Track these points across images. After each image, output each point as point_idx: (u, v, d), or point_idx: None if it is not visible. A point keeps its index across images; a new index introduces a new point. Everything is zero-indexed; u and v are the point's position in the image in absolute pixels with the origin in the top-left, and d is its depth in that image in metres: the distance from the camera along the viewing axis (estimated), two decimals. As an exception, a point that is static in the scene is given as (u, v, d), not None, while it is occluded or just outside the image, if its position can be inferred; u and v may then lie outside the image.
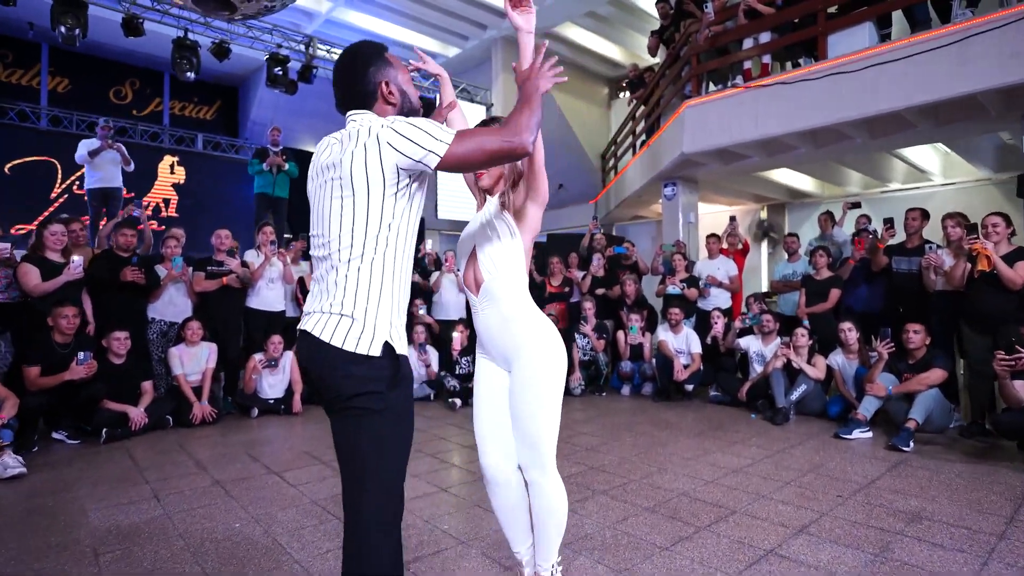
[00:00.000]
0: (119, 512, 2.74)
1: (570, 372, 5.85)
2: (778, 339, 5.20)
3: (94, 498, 2.94)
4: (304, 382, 1.52)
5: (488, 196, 1.88)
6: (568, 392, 5.79)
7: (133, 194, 7.30)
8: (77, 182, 9.33)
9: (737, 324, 5.54)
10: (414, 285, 6.34)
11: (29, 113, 9.31)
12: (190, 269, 4.94)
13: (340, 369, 1.33)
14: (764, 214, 9.68)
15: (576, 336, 6.05)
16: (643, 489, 3.07)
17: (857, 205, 5.93)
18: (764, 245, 9.64)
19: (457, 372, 5.62)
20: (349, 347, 1.33)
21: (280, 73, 7.44)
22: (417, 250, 7.23)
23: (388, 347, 1.36)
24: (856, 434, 4.11)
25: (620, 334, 6.07)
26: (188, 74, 6.70)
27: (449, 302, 6.36)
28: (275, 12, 4.99)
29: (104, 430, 3.99)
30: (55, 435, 4.03)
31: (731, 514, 2.71)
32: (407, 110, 1.52)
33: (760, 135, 5.59)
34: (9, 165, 9.01)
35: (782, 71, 5.71)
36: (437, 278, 6.41)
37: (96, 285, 4.42)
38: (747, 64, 5.85)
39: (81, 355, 3.83)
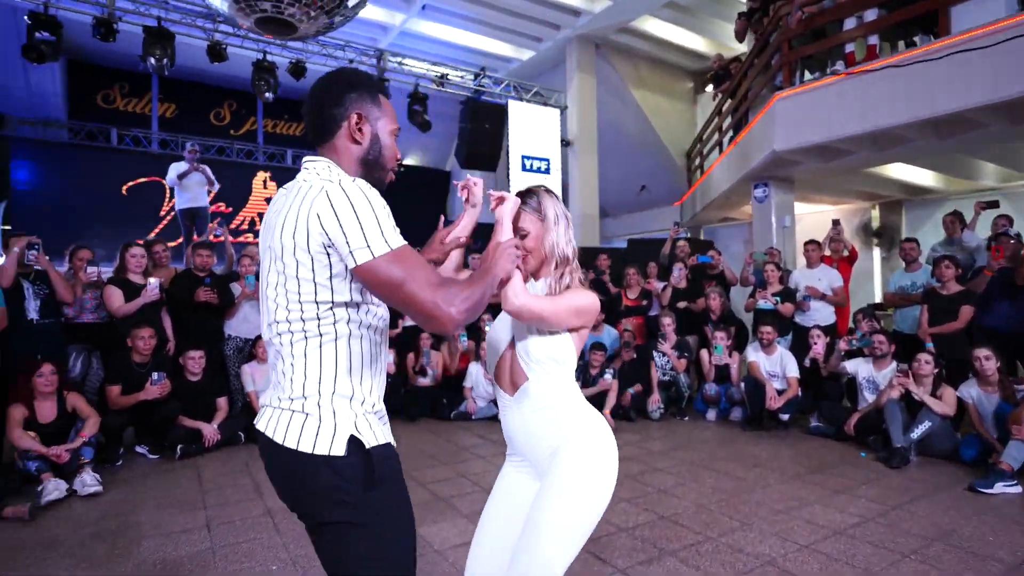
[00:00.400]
0: (170, 543, 2.74)
1: (648, 393, 5.41)
2: (894, 364, 4.47)
3: (153, 524, 2.97)
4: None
5: (533, 280, 1.57)
6: (646, 416, 5.36)
7: (218, 219, 7.69)
8: (181, 200, 10.08)
9: (843, 345, 4.85)
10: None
11: (142, 138, 10.18)
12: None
13: (300, 478, 1.12)
14: (876, 214, 8.60)
15: (654, 354, 5.59)
16: (721, 552, 2.64)
17: (994, 204, 5.03)
18: (876, 250, 8.56)
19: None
20: (305, 448, 1.10)
21: (353, 88, 7.54)
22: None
23: (354, 441, 1.12)
24: (999, 488, 3.38)
25: (704, 353, 5.54)
26: (267, 95, 6.96)
27: (519, 316, 6.10)
28: (336, 28, 5.00)
29: (179, 447, 4.11)
30: (138, 449, 4.21)
31: (831, 597, 2.24)
32: (371, 159, 1.26)
33: (868, 128, 4.85)
34: (126, 187, 9.90)
35: (894, 53, 4.92)
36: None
37: (175, 304, 4.59)
38: (849, 47, 5.10)
39: (155, 376, 3.97)
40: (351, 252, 1.07)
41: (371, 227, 1.08)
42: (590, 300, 1.51)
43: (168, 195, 10.19)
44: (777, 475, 3.78)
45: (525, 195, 1.55)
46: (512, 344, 1.53)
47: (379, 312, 1.25)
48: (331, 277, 1.13)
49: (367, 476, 1.12)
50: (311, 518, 1.16)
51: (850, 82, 4.94)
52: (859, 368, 4.68)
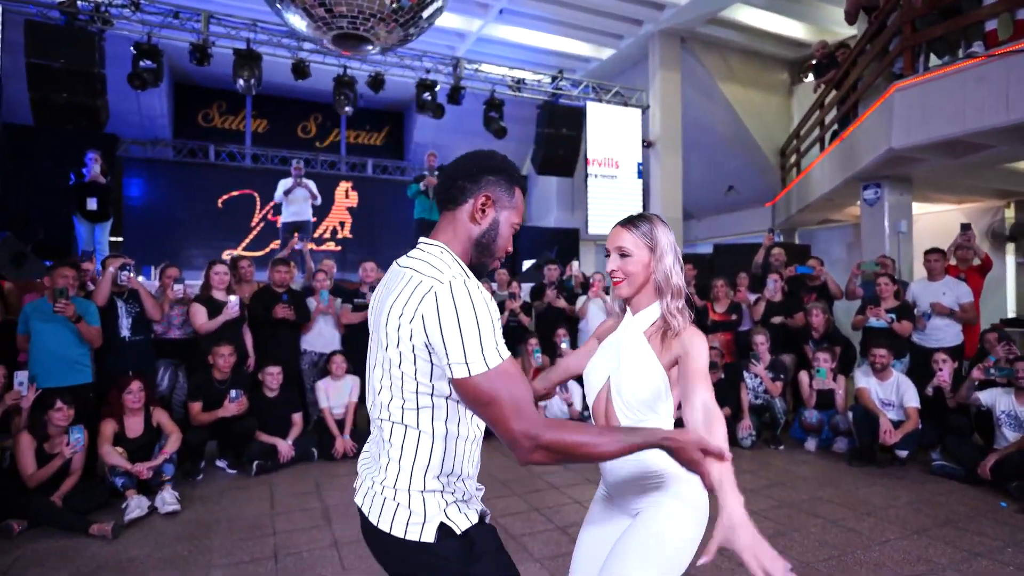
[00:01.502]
0: (236, 573, 2.71)
1: (738, 419, 4.94)
2: (1044, 398, 3.78)
3: (223, 550, 2.97)
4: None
5: (628, 309, 1.53)
6: (736, 443, 4.88)
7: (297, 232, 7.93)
8: (271, 211, 10.59)
9: (977, 374, 4.16)
10: (559, 312, 5.91)
11: (236, 153, 10.80)
12: (337, 301, 5.07)
13: (397, 557, 1.17)
14: (1010, 213, 7.47)
15: (744, 375, 5.10)
16: (835, 634, 2.24)
17: None
18: (1010, 255, 7.43)
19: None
20: (397, 533, 1.15)
21: (428, 98, 7.54)
22: (563, 271, 6.87)
23: (444, 527, 1.15)
24: None
25: (803, 375, 4.97)
26: (347, 108, 7.09)
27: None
28: (413, 39, 4.94)
29: (255, 463, 4.18)
30: (218, 463, 4.33)
31: None
32: (484, 243, 1.26)
33: (1012, 119, 4.10)
34: (221, 199, 10.54)
35: (1049, 28, 4.16)
36: (584, 303, 5.89)
37: (254, 320, 4.69)
38: (990, 25, 4.36)
39: (233, 393, 4.05)
40: (449, 364, 1.09)
41: (472, 341, 1.07)
42: (698, 345, 1.40)
43: (259, 206, 10.77)
44: (897, 528, 3.25)
45: (637, 219, 1.51)
46: (608, 384, 1.49)
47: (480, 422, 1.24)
48: (431, 378, 1.14)
49: (465, 556, 1.14)
50: None
51: (990, 66, 4.21)
52: (998, 400, 4.00)
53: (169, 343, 4.50)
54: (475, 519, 1.19)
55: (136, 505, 3.36)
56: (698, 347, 1.39)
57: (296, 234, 5.95)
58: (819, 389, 4.82)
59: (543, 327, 5.83)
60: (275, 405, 4.50)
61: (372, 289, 5.11)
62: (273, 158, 10.94)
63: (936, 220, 7.76)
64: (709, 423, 1.26)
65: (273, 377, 4.48)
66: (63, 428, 3.41)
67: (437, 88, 7.58)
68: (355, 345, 5.09)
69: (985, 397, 4.08)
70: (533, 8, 8.26)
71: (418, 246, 1.25)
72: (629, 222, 1.50)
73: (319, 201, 6.98)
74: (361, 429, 5.03)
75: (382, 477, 1.18)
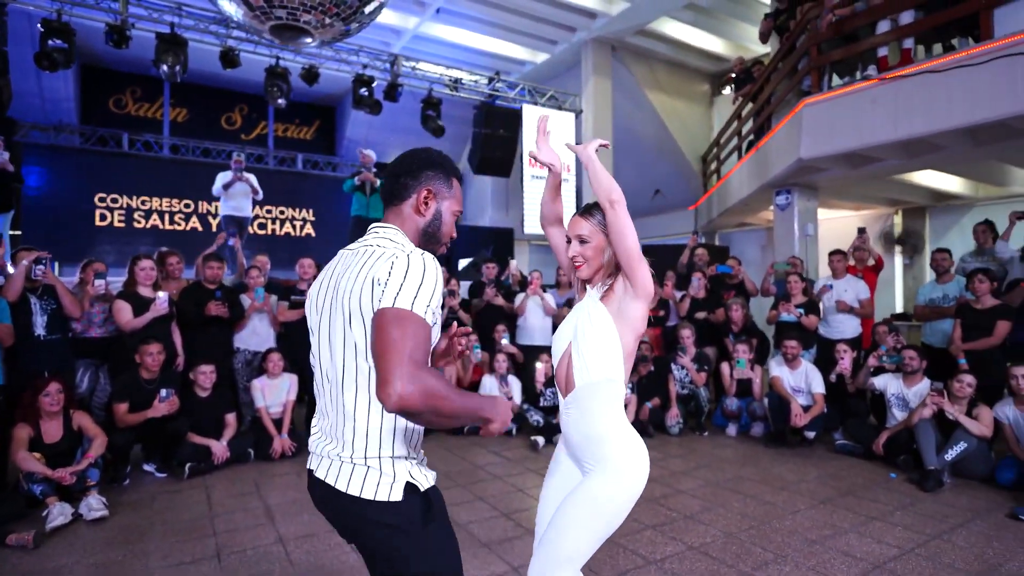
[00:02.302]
0: (179, 574, 2.63)
1: (667, 407, 5.26)
2: (926, 381, 4.31)
3: (160, 553, 2.86)
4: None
5: (588, 287, 1.70)
6: (665, 431, 5.21)
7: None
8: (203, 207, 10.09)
9: (872, 361, 4.67)
10: (498, 309, 6.04)
11: (153, 143, 10.16)
12: (273, 298, 4.95)
13: (364, 518, 1.23)
14: (898, 220, 8.38)
15: (672, 367, 5.44)
16: (757, 591, 2.50)
17: (1030, 214, 4.83)
18: (898, 257, 8.33)
19: (541, 404, 5.23)
20: (368, 495, 1.21)
21: (366, 94, 7.45)
22: (501, 269, 6.99)
23: (410, 487, 1.24)
24: (1042, 516, 3.22)
25: (725, 366, 5.38)
26: (280, 100, 6.88)
27: (534, 327, 5.98)
28: (353, 35, 4.90)
29: (188, 465, 4.02)
30: (146, 467, 4.12)
31: (880, 648, 2.09)
32: (429, 232, 1.38)
33: (901, 135, 4.66)
34: (139, 198, 9.87)
35: (930, 57, 4.74)
36: (522, 300, 6.05)
37: (184, 318, 4.50)
38: (883, 51, 4.92)
39: (163, 392, 3.88)
40: (381, 299, 1.15)
41: (409, 288, 1.14)
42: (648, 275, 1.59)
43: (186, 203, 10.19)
44: (806, 499, 3.62)
45: (592, 208, 1.66)
46: (569, 349, 1.64)
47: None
48: None
49: (424, 513, 1.23)
50: (371, 549, 1.25)
51: (884, 87, 4.75)
52: (888, 384, 4.52)
53: (89, 342, 4.23)
54: (432, 481, 1.28)
55: (59, 512, 3.15)
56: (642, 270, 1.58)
57: (226, 232, 5.71)
58: (739, 379, 5.23)
59: (482, 324, 5.93)
60: (207, 405, 4.34)
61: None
62: (195, 149, 10.38)
63: (836, 225, 8.54)
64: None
65: (206, 376, 4.32)
66: (-28, 433, 3.16)
67: (374, 84, 7.50)
68: (291, 343, 4.99)
69: (878, 382, 4.59)
70: (470, 9, 8.35)
71: (373, 230, 1.34)
72: (586, 211, 1.66)
73: (260, 196, 6.74)
74: (300, 429, 4.94)
75: (348, 450, 1.22)
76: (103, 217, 9.59)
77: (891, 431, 4.30)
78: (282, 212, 11.03)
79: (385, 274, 1.16)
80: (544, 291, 6.06)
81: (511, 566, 2.72)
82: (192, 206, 10.29)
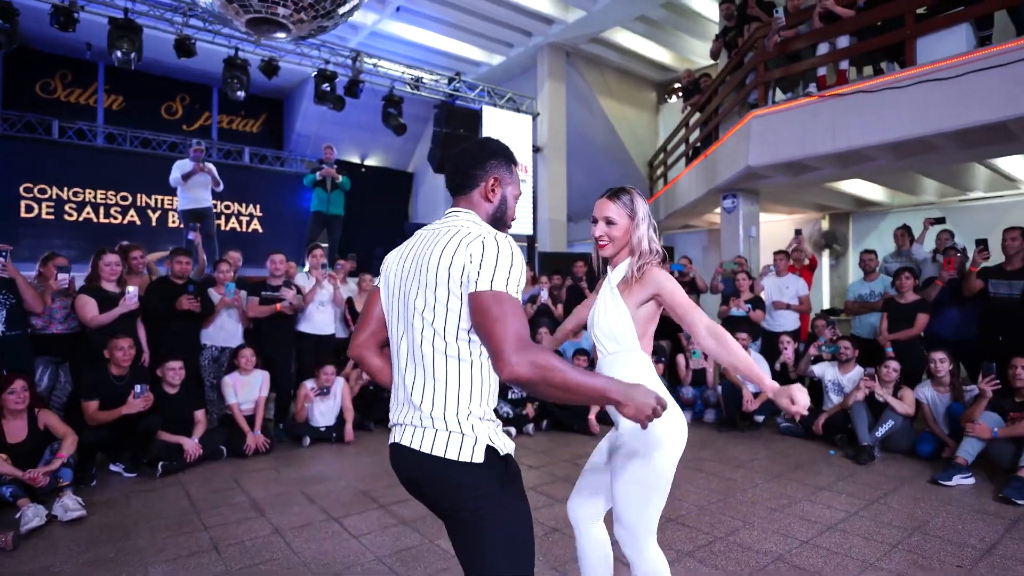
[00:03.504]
0: (180, 568, 2.63)
1: (628, 398, 5.57)
2: (858, 368, 4.81)
3: (154, 548, 2.83)
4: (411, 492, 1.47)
5: (608, 267, 1.82)
6: (626, 419, 5.52)
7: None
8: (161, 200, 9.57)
9: (812, 351, 5.16)
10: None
11: (87, 131, 9.56)
12: (243, 294, 4.88)
13: (448, 479, 1.31)
14: (826, 224, 9.16)
15: (633, 359, 5.76)
16: (732, 551, 2.79)
17: (941, 220, 5.48)
18: (826, 257, 9.11)
19: (509, 397, 5.41)
20: (451, 456, 1.29)
21: (328, 89, 7.39)
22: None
23: (491, 450, 1.31)
24: (956, 480, 3.72)
25: (680, 357, 5.76)
26: (239, 92, 6.71)
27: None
28: (328, 31, 4.90)
29: (160, 464, 3.93)
30: (113, 467, 3.99)
31: (841, 591, 2.42)
32: (497, 216, 1.48)
33: (837, 148, 5.19)
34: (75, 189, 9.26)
35: (862, 78, 5.29)
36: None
37: (152, 314, 4.38)
38: (822, 71, 5.45)
39: (138, 388, 3.78)
40: (475, 281, 1.24)
41: (501, 272, 1.24)
42: (666, 277, 1.73)
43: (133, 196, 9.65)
44: (762, 475, 4.00)
45: (619, 192, 1.79)
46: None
47: None
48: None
49: (502, 475, 1.32)
50: (454, 511, 1.32)
51: (823, 104, 5.27)
52: (825, 371, 5.00)
53: (49, 339, 4.04)
54: (510, 448, 1.36)
55: (34, 514, 3.03)
56: (668, 282, 1.70)
57: (189, 227, 5.54)
58: (694, 368, 5.62)
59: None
60: (177, 402, 4.24)
61: (287, 283, 4.99)
62: (133, 139, 9.85)
63: (772, 228, 9.22)
64: (722, 342, 1.59)
65: (175, 372, 4.22)
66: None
67: (336, 80, 7.44)
68: (260, 339, 4.93)
69: (817, 370, 5.07)
70: (429, 9, 8.42)
71: (452, 213, 1.44)
72: (614, 194, 1.78)
73: (221, 187, 6.53)
74: (271, 426, 4.90)
75: (430, 411, 1.30)
76: (29, 208, 8.94)
77: (829, 413, 4.78)
78: (228, 207, 10.65)
79: (478, 254, 1.25)
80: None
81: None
82: (130, 199, 9.75)
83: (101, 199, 9.53)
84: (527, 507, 1.36)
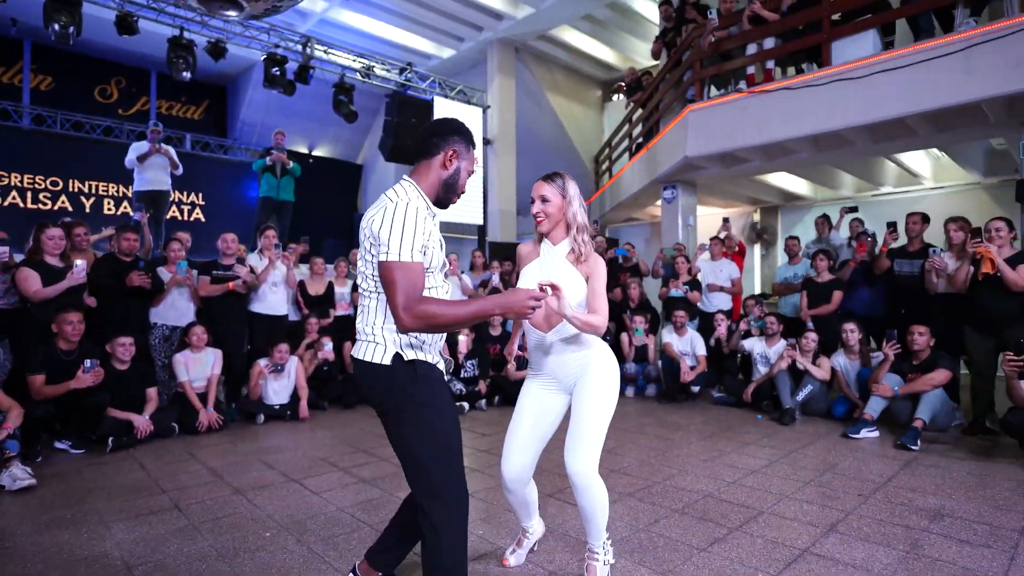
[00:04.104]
0: (142, 524, 2.68)
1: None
2: (782, 341, 5.27)
3: (112, 510, 2.86)
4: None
5: (545, 240, 2.09)
6: (573, 394, 5.81)
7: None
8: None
9: (743, 326, 5.61)
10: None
11: (12, 112, 9.06)
12: (194, 273, 4.85)
13: (373, 380, 1.65)
14: (757, 216, 9.81)
15: (580, 338, 6.06)
16: (668, 491, 3.09)
17: (854, 209, 6.04)
18: (757, 247, 9.76)
19: (462, 376, 5.59)
20: (372, 360, 1.64)
21: (278, 73, 7.34)
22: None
23: (398, 356, 1.62)
24: (864, 433, 4.18)
25: (624, 336, 6.10)
26: (184, 74, 6.57)
27: (452, 305, 6.32)
28: (282, 12, 4.92)
29: (110, 439, 3.89)
30: (58, 444, 3.91)
31: (759, 515, 2.75)
32: (449, 184, 1.74)
33: (764, 140, 5.66)
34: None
35: (785, 77, 5.79)
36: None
37: (99, 290, 4.30)
38: (751, 69, 5.92)
39: (88, 363, 3.74)
40: (383, 251, 1.55)
41: (395, 240, 1.54)
42: (600, 266, 2.05)
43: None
44: (696, 435, 4.36)
45: (553, 175, 2.07)
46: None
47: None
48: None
49: (412, 377, 1.62)
50: (383, 409, 1.68)
51: (751, 99, 5.73)
52: (754, 346, 5.45)
53: (-12, 314, 3.93)
54: (424, 359, 1.65)
55: (-20, 482, 3.00)
56: (602, 271, 2.02)
57: (133, 207, 5.42)
58: (636, 345, 5.97)
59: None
60: (127, 379, 4.20)
61: (240, 261, 5.00)
62: (64, 122, 9.40)
63: (709, 220, 9.79)
64: (598, 324, 1.95)
65: (124, 348, 4.18)
66: None
67: (287, 64, 7.40)
68: (212, 318, 4.91)
69: (747, 344, 5.51)
70: (379, -2, 8.48)
71: (399, 183, 1.70)
72: (548, 177, 2.07)
73: (180, 171, 6.39)
74: (223, 406, 4.89)
75: (362, 327, 1.68)
76: (-53, 192, 8.41)
77: (757, 382, 5.22)
78: (170, 198, 10.29)
79: (382, 224, 1.56)
80: (461, 273, 6.43)
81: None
82: (60, 184, 9.30)
83: (28, 183, 9.06)
84: (446, 406, 1.68)
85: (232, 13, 4.60)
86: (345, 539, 2.50)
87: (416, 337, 1.64)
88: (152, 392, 4.33)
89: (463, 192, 1.81)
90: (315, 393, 5.22)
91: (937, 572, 2.15)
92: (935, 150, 7.28)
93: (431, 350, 1.69)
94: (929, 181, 8.12)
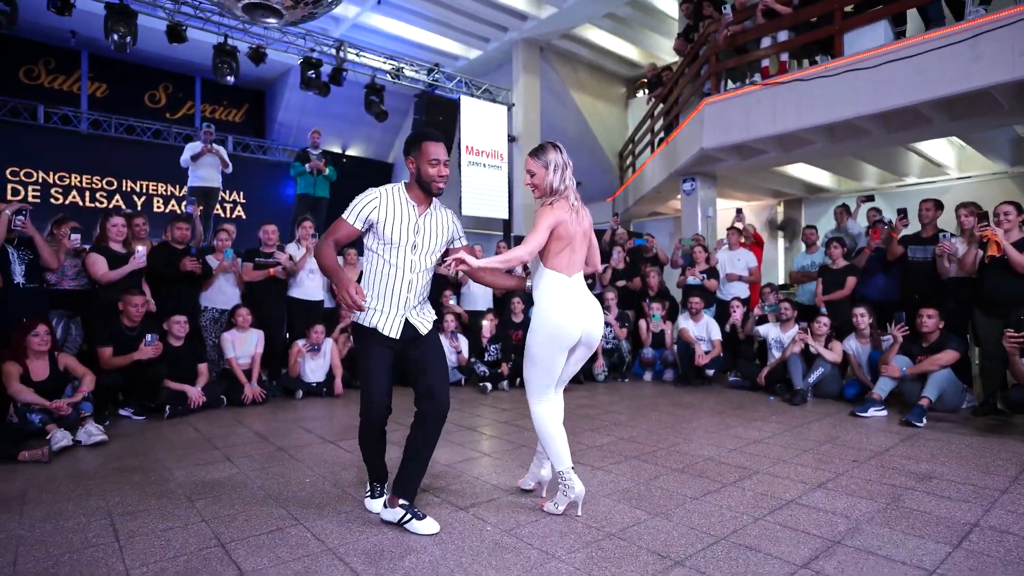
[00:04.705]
0: (200, 471, 3.05)
1: (594, 359, 6.10)
2: (796, 326, 5.40)
3: (174, 459, 3.25)
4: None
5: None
6: (592, 378, 6.06)
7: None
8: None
9: (756, 310, 5.76)
10: (443, 278, 6.63)
11: (71, 117, 9.77)
12: (239, 260, 5.27)
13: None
14: (780, 209, 9.85)
15: (599, 325, 6.29)
16: (671, 455, 3.32)
17: (870, 199, 6.12)
18: (780, 239, 9.80)
19: (486, 359, 5.89)
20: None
21: (313, 76, 7.79)
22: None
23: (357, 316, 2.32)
24: (871, 412, 4.32)
25: (642, 322, 6.31)
26: (228, 78, 7.07)
27: (477, 294, 6.63)
28: (317, 18, 5.31)
29: (167, 407, 4.32)
30: (122, 412, 4.36)
31: (754, 474, 2.96)
32: (420, 181, 2.27)
33: (777, 130, 5.80)
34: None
35: (799, 69, 5.91)
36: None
37: (155, 275, 4.75)
38: (765, 62, 6.07)
39: (148, 337, 4.17)
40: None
41: (351, 207, 2.25)
42: (542, 215, 2.32)
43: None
44: (707, 412, 4.56)
45: (537, 150, 2.41)
46: None
47: (380, 256, 2.29)
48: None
49: (363, 333, 2.31)
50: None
51: (765, 91, 5.88)
52: (769, 331, 5.59)
53: (62, 294, 4.39)
54: (375, 326, 2.26)
55: (62, 436, 3.43)
56: (540, 221, 2.29)
57: (186, 201, 5.90)
58: (654, 331, 6.18)
59: (432, 292, 6.51)
60: (181, 355, 4.63)
61: (280, 248, 5.41)
62: (118, 126, 10.08)
63: (730, 213, 9.87)
64: (507, 259, 2.30)
65: (180, 326, 4.61)
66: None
67: (321, 67, 7.84)
68: (255, 302, 5.32)
69: (761, 330, 5.66)
70: (409, 3, 8.86)
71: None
72: (532, 153, 2.40)
73: (230, 169, 6.93)
74: (266, 384, 5.29)
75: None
76: (16, 192, 9.13)
77: (770, 366, 5.37)
78: (220, 195, 10.93)
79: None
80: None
81: (481, 453, 3.39)
82: (115, 183, 9.99)
83: (87, 184, 9.76)
84: (372, 349, 2.29)
85: (272, 20, 5.00)
86: (375, 485, 2.82)
87: (377, 293, 2.29)
88: (203, 367, 4.75)
89: (435, 183, 2.26)
90: (349, 372, 5.59)
91: (912, 520, 2.33)
92: (958, 139, 7.26)
93: (382, 313, 2.29)
94: (954, 171, 8.07)
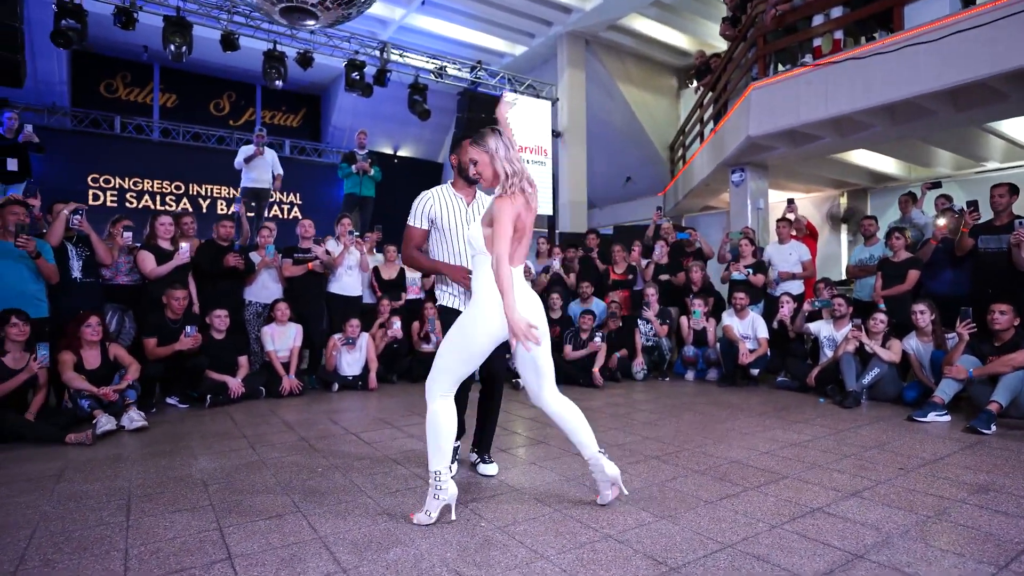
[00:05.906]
0: (222, 458, 3.16)
1: (632, 357, 5.92)
2: (850, 323, 5.03)
3: (203, 447, 3.39)
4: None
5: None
6: (630, 376, 5.87)
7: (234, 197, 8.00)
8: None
9: (806, 306, 5.39)
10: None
11: (144, 127, 10.48)
12: (279, 256, 5.46)
13: None
14: (843, 200, 9.22)
15: (639, 322, 6.09)
16: (695, 456, 3.14)
17: (937, 185, 5.61)
18: (844, 232, 9.18)
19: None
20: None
21: (357, 77, 7.98)
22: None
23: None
24: (932, 417, 3.93)
25: (684, 319, 6.06)
26: (277, 82, 7.35)
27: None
28: (352, 19, 5.43)
29: (208, 396, 4.52)
30: (168, 400, 4.61)
31: (782, 479, 2.75)
32: (461, 174, 2.68)
33: (830, 114, 5.40)
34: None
35: (855, 47, 5.48)
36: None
37: (200, 270, 4.99)
38: (817, 42, 5.67)
39: (188, 329, 4.38)
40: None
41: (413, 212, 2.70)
42: (502, 210, 2.14)
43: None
44: (746, 413, 4.30)
45: (477, 137, 2.29)
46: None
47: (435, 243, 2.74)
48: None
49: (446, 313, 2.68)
50: None
51: (816, 73, 5.49)
52: (821, 328, 5.23)
53: (116, 288, 4.69)
54: (445, 302, 2.73)
55: (107, 421, 3.65)
56: (501, 214, 2.10)
57: (235, 200, 6.18)
58: (695, 328, 5.91)
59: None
60: (223, 347, 4.83)
61: (317, 242, 5.57)
62: (185, 134, 10.73)
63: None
64: (496, 270, 2.09)
65: (221, 319, 4.82)
66: (21, 344, 3.62)
67: (365, 69, 8.03)
68: (294, 296, 5.49)
69: (813, 327, 5.30)
70: (453, 2, 8.92)
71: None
72: (473, 140, 2.30)
73: (280, 172, 7.25)
74: (304, 376, 5.46)
75: None
76: (96, 197, 9.90)
77: (821, 366, 5.01)
78: (271, 196, 11.43)
79: None
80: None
81: (501, 449, 3.34)
82: (183, 188, 10.64)
83: (158, 188, 10.45)
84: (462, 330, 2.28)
85: (310, 23, 5.14)
86: (383, 477, 2.82)
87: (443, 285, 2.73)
88: (243, 360, 4.94)
89: (474, 175, 2.33)
90: (385, 367, 5.68)
91: (954, 535, 2.09)
92: (1046, 118, 6.52)
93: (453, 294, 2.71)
94: (1044, 154, 7.27)
